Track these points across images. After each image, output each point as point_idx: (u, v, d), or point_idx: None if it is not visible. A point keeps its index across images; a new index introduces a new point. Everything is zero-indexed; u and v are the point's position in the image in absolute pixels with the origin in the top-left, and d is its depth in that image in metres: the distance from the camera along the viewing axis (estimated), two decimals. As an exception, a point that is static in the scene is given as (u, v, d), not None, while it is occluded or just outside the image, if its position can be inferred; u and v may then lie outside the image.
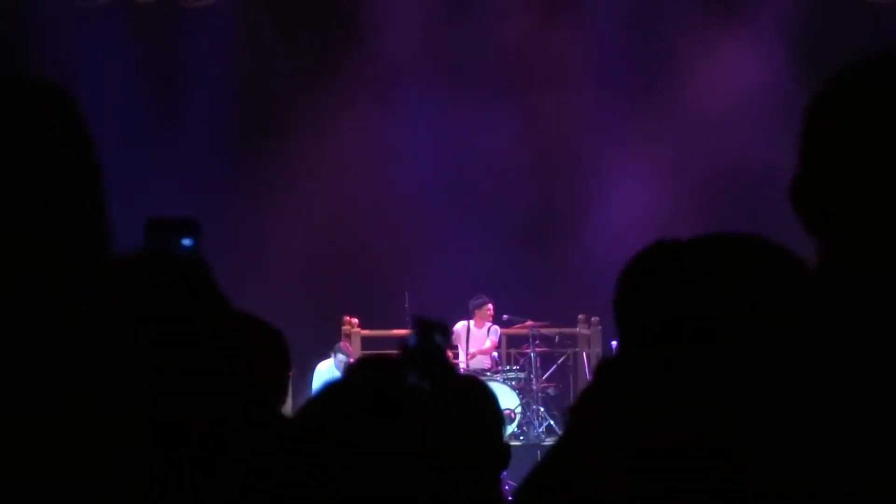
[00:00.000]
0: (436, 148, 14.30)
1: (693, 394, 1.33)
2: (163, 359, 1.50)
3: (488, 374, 12.47)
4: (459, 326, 12.73)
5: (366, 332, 12.91)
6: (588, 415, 1.46)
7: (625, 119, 14.40)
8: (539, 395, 12.46)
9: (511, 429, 12.00)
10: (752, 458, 1.27)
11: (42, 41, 13.31)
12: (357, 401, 1.75)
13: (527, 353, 12.89)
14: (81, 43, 13.49)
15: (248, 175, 14.27)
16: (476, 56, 14.38)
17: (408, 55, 14.36)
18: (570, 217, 14.51)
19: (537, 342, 12.86)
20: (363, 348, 12.37)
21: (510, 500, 2.17)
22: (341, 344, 12.19)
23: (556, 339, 13.22)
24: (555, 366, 13.20)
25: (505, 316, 13.03)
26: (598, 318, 12.99)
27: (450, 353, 12.59)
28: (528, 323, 12.91)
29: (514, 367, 12.97)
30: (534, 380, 12.57)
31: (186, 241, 2.03)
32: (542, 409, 12.35)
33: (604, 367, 1.74)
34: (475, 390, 2.63)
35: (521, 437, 12.06)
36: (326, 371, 11.54)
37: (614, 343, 11.63)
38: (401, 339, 2.21)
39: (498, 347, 13.22)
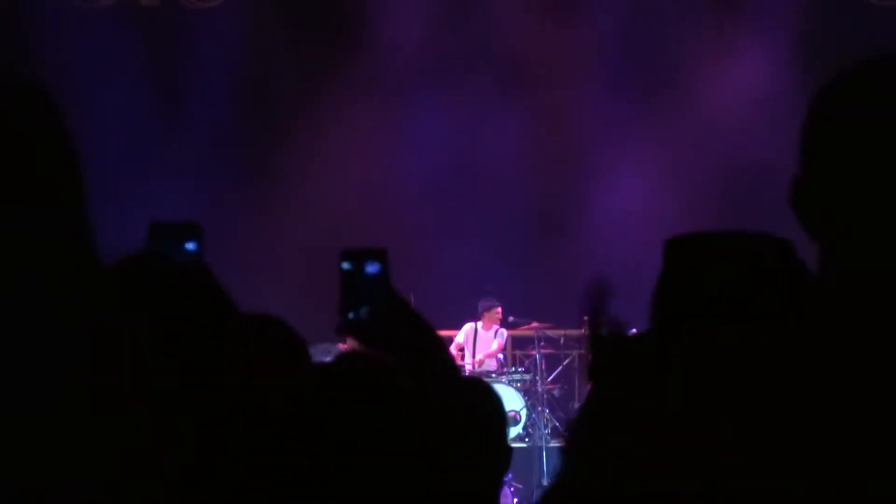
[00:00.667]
0: (440, 148, 14.29)
1: (697, 413, 1.33)
2: (163, 359, 1.50)
3: (493, 375, 12.46)
4: (467, 328, 12.73)
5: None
6: (588, 439, 1.46)
7: (630, 119, 14.39)
8: (544, 396, 12.45)
9: (516, 430, 11.99)
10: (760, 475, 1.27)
11: (45, 43, 13.32)
12: (352, 398, 1.75)
13: (532, 355, 12.88)
14: (85, 45, 13.50)
15: (251, 175, 14.28)
16: (480, 56, 14.38)
17: (411, 55, 14.36)
18: (576, 218, 14.50)
19: (542, 344, 12.86)
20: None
21: None
22: (340, 346, 12.19)
23: (562, 341, 13.21)
24: (560, 367, 13.18)
25: (510, 317, 13.03)
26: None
27: (456, 354, 12.62)
28: (534, 325, 12.91)
29: (520, 369, 12.96)
30: (539, 381, 12.56)
31: (190, 246, 2.04)
32: (547, 411, 12.34)
33: (599, 375, 1.73)
34: (478, 391, 2.63)
35: (527, 439, 12.06)
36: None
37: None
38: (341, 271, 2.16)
39: (504, 349, 13.22)
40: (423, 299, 12.92)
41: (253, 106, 14.29)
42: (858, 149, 1.35)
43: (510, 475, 10.83)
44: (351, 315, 2.10)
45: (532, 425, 12.22)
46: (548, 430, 12.23)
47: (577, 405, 12.26)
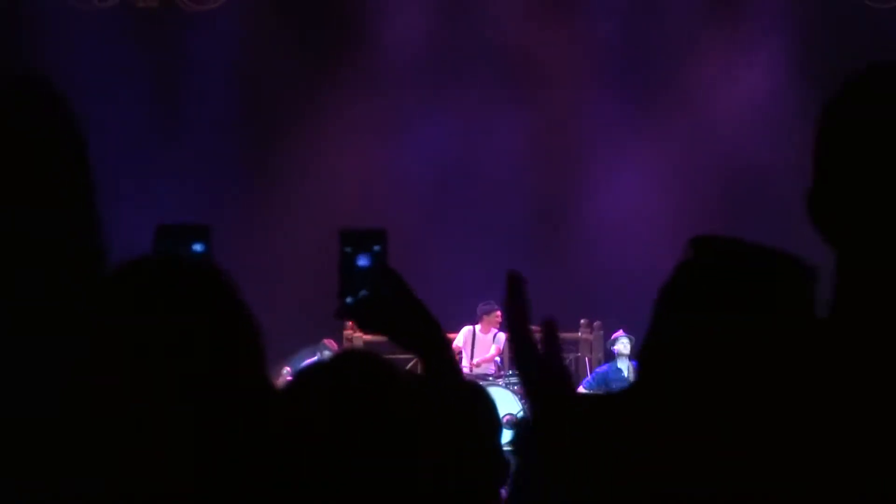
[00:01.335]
0: (440, 148, 14.29)
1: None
2: (166, 359, 1.50)
3: (491, 378, 12.45)
4: (465, 331, 12.71)
5: (368, 336, 12.88)
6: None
7: (631, 119, 14.38)
8: (542, 399, 12.43)
9: (512, 434, 11.97)
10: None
11: (44, 45, 13.32)
12: (350, 397, 1.74)
13: (529, 358, 12.86)
14: (83, 47, 13.51)
15: (251, 176, 14.28)
16: (481, 56, 14.38)
17: (412, 55, 14.37)
18: (573, 221, 14.50)
19: (540, 347, 12.84)
20: (365, 353, 12.34)
21: None
22: (325, 340, 12.29)
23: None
24: (558, 370, 13.16)
25: (508, 321, 13.00)
26: (599, 322, 12.98)
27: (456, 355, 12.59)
28: (532, 328, 12.89)
29: (517, 372, 12.93)
30: (536, 384, 12.54)
31: (197, 247, 2.03)
32: (544, 414, 12.31)
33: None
34: (473, 396, 2.60)
35: (524, 442, 12.05)
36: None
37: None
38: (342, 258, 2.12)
39: (501, 353, 13.20)
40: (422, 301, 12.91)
41: (252, 106, 14.30)
42: (871, 154, 1.35)
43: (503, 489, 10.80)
44: (349, 299, 2.07)
45: (529, 428, 12.20)
46: (545, 434, 12.19)
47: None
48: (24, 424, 1.40)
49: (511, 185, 14.42)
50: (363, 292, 2.06)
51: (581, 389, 11.66)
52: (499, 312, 12.80)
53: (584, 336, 13.31)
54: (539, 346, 1.68)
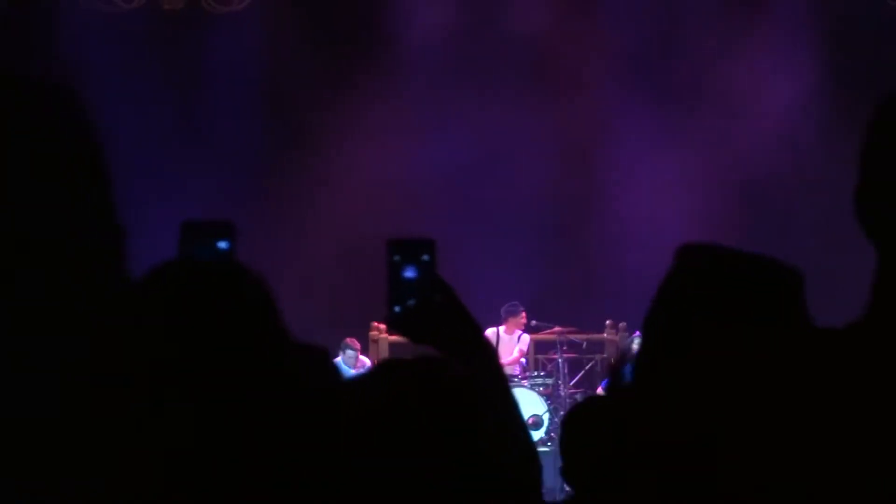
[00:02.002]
0: (462, 150, 14.28)
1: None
2: (171, 360, 1.50)
3: (516, 379, 12.45)
4: (489, 332, 12.72)
5: (393, 338, 12.92)
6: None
7: (654, 122, 14.36)
8: (567, 401, 12.42)
9: (538, 435, 11.97)
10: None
11: (71, 47, 13.41)
12: (412, 399, 1.72)
13: (554, 359, 12.87)
14: (109, 49, 13.58)
15: (274, 177, 14.32)
16: (502, 58, 14.39)
17: (433, 57, 14.39)
18: (598, 222, 14.47)
19: (565, 348, 12.84)
20: (390, 355, 12.39)
21: None
22: (348, 339, 12.45)
23: (584, 345, 13.19)
24: (582, 372, 13.16)
25: (533, 322, 13.01)
26: (624, 323, 12.95)
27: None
28: (556, 329, 12.88)
29: (542, 373, 12.94)
30: (561, 386, 12.54)
31: (222, 245, 2.02)
32: (569, 416, 12.30)
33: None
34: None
35: (549, 444, 12.03)
36: (335, 367, 11.74)
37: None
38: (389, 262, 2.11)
39: (525, 354, 13.20)
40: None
41: (276, 108, 14.35)
42: None
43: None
44: (397, 308, 2.06)
45: (554, 430, 12.19)
46: (570, 435, 12.17)
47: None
48: (24, 424, 1.40)
49: (534, 186, 14.41)
50: (411, 301, 2.05)
51: (599, 391, 11.64)
52: (523, 314, 12.80)
53: (609, 337, 13.29)
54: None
